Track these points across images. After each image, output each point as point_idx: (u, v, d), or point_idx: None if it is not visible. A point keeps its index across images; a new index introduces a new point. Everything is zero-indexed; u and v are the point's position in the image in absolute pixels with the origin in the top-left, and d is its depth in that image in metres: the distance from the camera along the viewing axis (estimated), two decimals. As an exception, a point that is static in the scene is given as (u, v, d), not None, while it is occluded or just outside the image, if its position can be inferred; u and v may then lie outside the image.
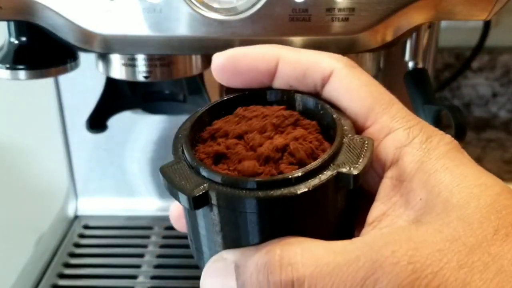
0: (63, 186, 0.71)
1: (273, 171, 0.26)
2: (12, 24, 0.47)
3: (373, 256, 0.23)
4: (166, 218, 0.70)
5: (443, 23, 0.58)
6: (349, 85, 0.29)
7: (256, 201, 0.24)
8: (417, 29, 0.47)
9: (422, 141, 0.27)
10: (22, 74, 0.47)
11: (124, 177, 0.70)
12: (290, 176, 0.25)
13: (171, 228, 0.69)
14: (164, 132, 0.67)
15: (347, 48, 0.43)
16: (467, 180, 0.25)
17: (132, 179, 0.70)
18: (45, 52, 0.47)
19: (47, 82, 0.65)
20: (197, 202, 0.25)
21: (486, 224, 0.24)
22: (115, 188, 0.70)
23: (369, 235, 0.25)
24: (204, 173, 0.26)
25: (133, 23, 0.42)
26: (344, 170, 0.25)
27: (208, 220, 0.27)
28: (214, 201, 0.25)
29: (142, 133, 0.68)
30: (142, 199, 0.71)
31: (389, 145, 0.27)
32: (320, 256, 0.24)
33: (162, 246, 0.65)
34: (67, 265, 0.63)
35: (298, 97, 0.30)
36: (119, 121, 0.62)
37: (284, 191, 0.24)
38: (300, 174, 0.25)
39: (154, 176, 0.70)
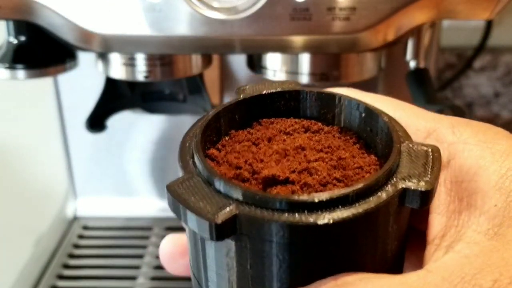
0: (62, 186, 0.71)
1: (306, 180, 0.22)
2: (11, 23, 0.47)
3: None
4: (166, 219, 0.70)
5: (445, 23, 0.58)
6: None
7: (311, 228, 0.19)
8: (418, 28, 0.47)
9: (474, 135, 0.23)
10: (21, 73, 0.46)
11: (123, 177, 0.70)
12: (348, 193, 0.19)
13: (171, 228, 0.69)
14: (164, 132, 0.67)
15: (348, 47, 0.43)
16: None
17: (131, 179, 0.70)
18: (44, 51, 0.47)
19: (46, 82, 0.64)
20: (221, 230, 0.19)
21: None
22: (115, 189, 0.70)
23: (449, 260, 0.20)
24: (228, 190, 0.20)
25: (133, 23, 0.42)
26: (411, 184, 0.20)
27: (230, 255, 0.21)
28: (244, 228, 0.19)
29: (142, 133, 0.67)
30: (141, 199, 0.70)
31: None
32: None
33: (162, 247, 0.65)
34: (66, 266, 0.62)
35: (339, 99, 0.26)
36: (118, 121, 0.61)
37: (345, 212, 0.19)
38: (360, 188, 0.19)
39: (154, 176, 0.70)
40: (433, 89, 0.51)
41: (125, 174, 0.70)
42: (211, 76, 0.60)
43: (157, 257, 0.63)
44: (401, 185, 0.20)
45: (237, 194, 0.20)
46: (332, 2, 0.40)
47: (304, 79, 0.47)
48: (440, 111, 0.48)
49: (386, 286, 0.19)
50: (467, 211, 0.22)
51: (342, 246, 0.20)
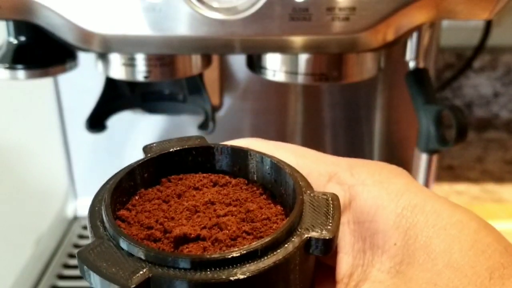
0: (62, 186, 0.71)
1: (217, 235, 0.22)
2: (11, 23, 0.47)
3: None
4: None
5: (444, 23, 0.58)
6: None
7: (225, 285, 0.19)
8: (418, 28, 0.47)
9: (371, 175, 0.25)
10: (21, 74, 0.46)
11: (123, 177, 0.70)
12: (257, 247, 0.20)
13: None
14: (163, 132, 0.67)
15: (347, 47, 0.43)
16: (441, 219, 0.23)
17: (131, 179, 0.70)
18: (44, 51, 0.47)
19: (46, 82, 0.64)
20: None
21: (478, 268, 0.21)
22: (115, 189, 0.70)
23: None
24: (140, 253, 0.20)
25: (133, 23, 0.42)
26: (315, 234, 0.21)
27: None
28: None
29: (141, 133, 0.67)
30: (141, 199, 0.70)
31: (335, 189, 0.25)
32: None
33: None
34: (66, 266, 0.62)
35: (231, 151, 0.27)
36: (118, 121, 0.61)
37: (256, 266, 0.20)
38: (267, 242, 0.20)
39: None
40: (433, 89, 0.51)
41: (125, 174, 0.70)
42: (211, 76, 0.60)
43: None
44: (306, 235, 0.21)
45: (149, 257, 0.20)
46: (331, 2, 0.40)
47: (304, 79, 0.47)
48: (440, 111, 0.48)
49: None
50: (370, 250, 0.23)
51: None
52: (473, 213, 0.24)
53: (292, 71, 0.48)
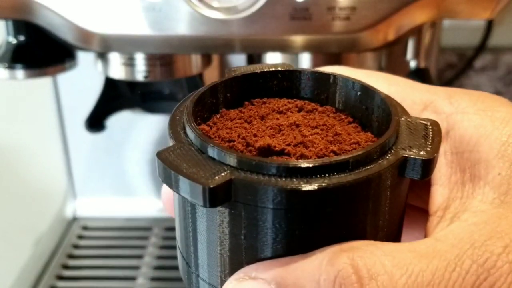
0: (61, 186, 0.71)
1: (303, 151, 0.21)
2: (10, 23, 0.47)
3: (479, 254, 0.18)
4: (165, 219, 0.70)
5: (446, 22, 0.58)
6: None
7: (310, 194, 0.18)
8: (419, 28, 0.47)
9: (473, 104, 0.23)
10: (20, 73, 0.46)
11: (123, 177, 0.70)
12: (348, 159, 0.19)
13: (170, 229, 0.69)
14: (163, 132, 0.67)
15: (348, 47, 0.43)
16: None
17: (131, 179, 0.70)
18: (43, 51, 0.47)
19: (46, 82, 0.64)
20: (215, 196, 0.18)
21: None
22: (114, 189, 0.70)
23: (456, 228, 0.20)
24: (223, 157, 0.19)
25: (133, 23, 0.42)
26: (412, 153, 0.20)
27: (224, 225, 0.20)
28: (239, 195, 0.19)
29: (141, 133, 0.67)
30: (141, 199, 0.70)
31: (432, 118, 0.23)
32: (408, 262, 0.18)
33: (161, 247, 0.65)
34: (66, 267, 0.62)
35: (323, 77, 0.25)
36: (118, 121, 0.61)
37: (345, 178, 0.18)
38: (360, 155, 0.19)
39: (153, 176, 0.70)
40: (434, 89, 0.50)
41: (124, 174, 0.70)
42: (211, 76, 0.60)
43: (157, 257, 0.63)
44: (402, 153, 0.20)
45: (232, 160, 0.19)
46: (332, 2, 0.40)
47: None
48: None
49: (395, 252, 0.19)
50: (471, 182, 0.21)
51: (342, 213, 0.19)
52: None
53: (293, 71, 0.47)
